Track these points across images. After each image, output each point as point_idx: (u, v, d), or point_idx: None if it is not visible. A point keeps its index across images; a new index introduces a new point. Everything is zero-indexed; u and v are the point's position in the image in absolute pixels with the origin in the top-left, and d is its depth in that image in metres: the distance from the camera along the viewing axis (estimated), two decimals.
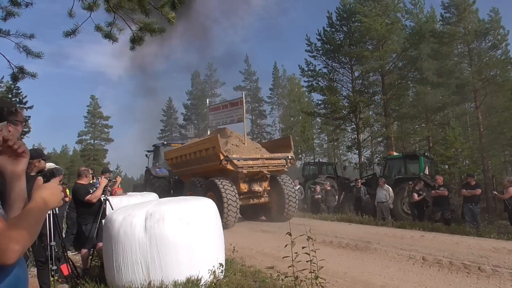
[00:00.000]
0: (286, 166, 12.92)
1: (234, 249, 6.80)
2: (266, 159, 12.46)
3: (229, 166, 11.61)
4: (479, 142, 20.58)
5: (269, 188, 12.83)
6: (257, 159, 12.29)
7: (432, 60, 22.68)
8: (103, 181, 6.11)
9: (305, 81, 28.10)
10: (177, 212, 4.69)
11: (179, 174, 15.39)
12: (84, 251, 5.86)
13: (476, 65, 20.10)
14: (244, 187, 12.23)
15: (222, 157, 11.56)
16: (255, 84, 52.21)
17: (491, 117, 21.28)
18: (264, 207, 12.97)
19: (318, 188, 17.07)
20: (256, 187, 12.48)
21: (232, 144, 13.03)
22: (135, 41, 5.01)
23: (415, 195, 12.32)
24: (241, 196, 11.84)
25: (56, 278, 4.80)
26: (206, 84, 53.15)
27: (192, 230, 4.65)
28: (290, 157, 12.96)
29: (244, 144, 13.43)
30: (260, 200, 12.57)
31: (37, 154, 4.48)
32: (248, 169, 11.93)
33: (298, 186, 18.28)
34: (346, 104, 26.97)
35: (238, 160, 11.77)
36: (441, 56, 21.36)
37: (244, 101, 14.66)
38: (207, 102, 20.03)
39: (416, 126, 28.34)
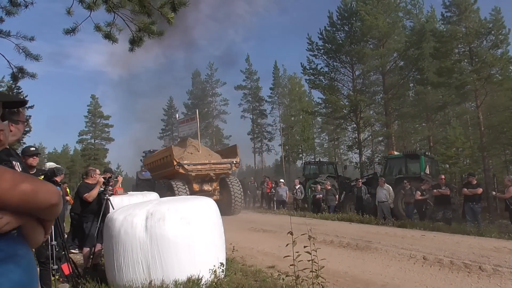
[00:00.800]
0: (231, 170, 15.98)
1: (234, 249, 6.80)
2: (213, 163, 15.54)
3: (181, 170, 14.74)
4: (480, 141, 20.52)
5: (218, 187, 15.82)
6: (205, 164, 15.35)
7: (432, 60, 22.64)
8: (100, 181, 6.16)
9: (306, 80, 28.17)
10: (178, 212, 4.69)
11: (154, 177, 18.35)
12: (85, 249, 5.88)
13: (476, 64, 20.03)
14: (196, 187, 15.22)
15: (175, 163, 14.67)
16: (256, 83, 52.15)
17: (492, 116, 21.21)
18: (216, 204, 14.47)
19: (319, 187, 17.08)
20: (206, 187, 15.52)
21: (188, 152, 16.10)
22: (135, 42, 5.00)
23: (418, 193, 12.32)
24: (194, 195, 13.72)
25: (57, 277, 4.81)
26: (207, 83, 53.13)
27: (193, 229, 4.65)
28: (235, 162, 15.85)
29: (199, 151, 16.51)
30: (212, 198, 13.72)
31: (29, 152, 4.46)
32: (197, 172, 15.09)
33: (298, 186, 18.26)
34: (347, 103, 26.96)
35: (188, 165, 14.88)
36: (441, 56, 21.28)
37: (198, 117, 18.15)
38: (177, 116, 22.84)
39: (417, 126, 28.35)
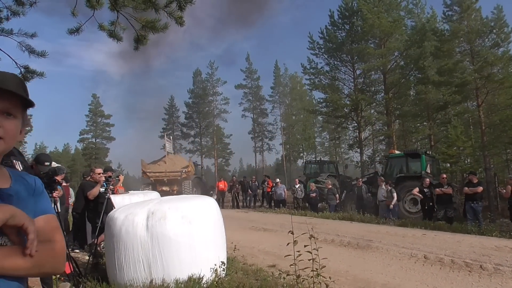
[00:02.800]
0: (181, 176, 22.45)
1: (235, 248, 6.81)
2: (168, 171, 22.35)
3: (145, 176, 22.71)
4: (481, 140, 20.49)
5: (176, 189, 22.18)
6: (161, 172, 22.21)
7: (433, 59, 22.61)
8: (101, 180, 6.19)
9: (306, 79, 28.14)
10: (179, 211, 4.69)
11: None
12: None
13: (478, 63, 19.99)
14: (159, 188, 20.63)
15: (142, 171, 22.84)
16: (256, 82, 52.16)
17: (493, 115, 21.17)
18: None
19: (313, 186, 17.23)
20: (165, 188, 21.62)
21: (158, 164, 23.53)
22: (139, 40, 4.99)
23: (417, 189, 12.34)
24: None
25: (58, 276, 4.81)
26: (208, 82, 53.12)
27: (194, 228, 4.65)
28: (185, 170, 22.60)
29: (165, 163, 23.41)
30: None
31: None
32: (155, 178, 22.32)
33: (298, 185, 18.24)
34: (348, 102, 26.94)
35: (149, 173, 22.38)
36: (442, 55, 21.26)
37: (169, 138, 27.24)
38: (165, 137, 29.23)
39: (418, 125, 28.25)
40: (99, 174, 6.64)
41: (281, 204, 17.96)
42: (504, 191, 10.60)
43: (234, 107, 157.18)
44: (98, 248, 5.93)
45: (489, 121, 20.74)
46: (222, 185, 21.43)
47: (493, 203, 16.51)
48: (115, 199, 6.65)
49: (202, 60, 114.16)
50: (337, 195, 16.41)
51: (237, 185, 21.10)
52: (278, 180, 19.89)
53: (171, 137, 30.46)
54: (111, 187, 6.45)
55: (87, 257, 6.01)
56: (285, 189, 18.95)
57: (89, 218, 6.32)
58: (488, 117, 21.15)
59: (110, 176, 6.90)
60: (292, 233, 3.80)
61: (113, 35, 5.01)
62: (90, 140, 49.44)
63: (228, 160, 56.12)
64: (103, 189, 6.27)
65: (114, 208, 5.90)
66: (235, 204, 20.77)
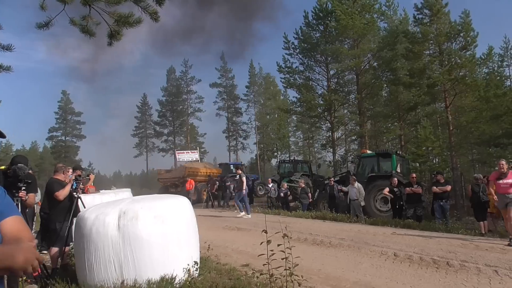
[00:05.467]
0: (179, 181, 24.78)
1: (209, 247, 6.79)
2: (172, 177, 25.80)
3: (159, 181, 27.39)
4: (448, 140, 21.15)
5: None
6: (166, 178, 26.13)
7: (405, 61, 23.19)
8: (71, 179, 6.00)
9: (282, 78, 28.32)
10: (151, 210, 4.63)
11: None
12: (54, 249, 5.69)
13: (446, 66, 20.64)
14: (168, 191, 23.27)
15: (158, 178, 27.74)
16: (231, 81, 52.06)
17: (460, 117, 21.90)
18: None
19: (284, 185, 17.63)
20: (172, 190, 23.39)
21: (167, 171, 28.11)
22: (113, 36, 4.89)
23: (387, 189, 12.59)
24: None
25: (25, 278, 4.66)
26: (182, 80, 52.60)
27: (167, 228, 4.61)
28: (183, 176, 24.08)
29: (171, 171, 28.15)
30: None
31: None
32: (163, 182, 26.29)
33: (271, 184, 18.30)
34: (321, 102, 27.28)
35: (161, 179, 26.78)
36: (413, 57, 21.84)
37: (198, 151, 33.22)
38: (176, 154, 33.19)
39: (389, 125, 28.90)
40: (68, 172, 6.45)
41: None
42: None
43: (208, 105, 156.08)
44: (67, 250, 5.77)
45: (457, 122, 21.40)
46: (188, 185, 21.35)
47: (459, 202, 17.12)
48: (86, 198, 6.48)
49: (177, 58, 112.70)
50: (310, 194, 16.59)
51: (213, 184, 21.02)
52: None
53: (197, 148, 35.55)
54: (81, 186, 6.29)
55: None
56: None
57: (51, 220, 5.91)
58: (456, 119, 21.84)
59: (79, 175, 6.72)
60: (266, 232, 3.83)
61: (85, 30, 4.89)
62: (59, 138, 48.08)
63: (202, 159, 55.70)
64: (72, 188, 6.09)
65: (84, 208, 5.75)
66: (210, 203, 20.67)
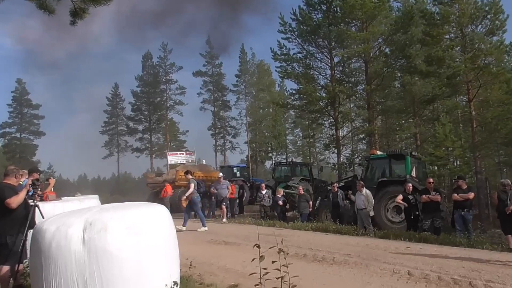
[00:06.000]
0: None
1: (191, 265, 6.76)
2: (160, 182, 25.68)
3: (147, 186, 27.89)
4: (471, 140, 21.27)
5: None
6: (156, 183, 26.36)
7: (421, 46, 23.27)
8: (27, 184, 5.92)
9: (277, 67, 28.29)
10: (123, 221, 4.60)
11: None
12: (5, 268, 5.60)
13: (469, 52, 20.75)
14: (158, 197, 22.35)
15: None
16: (218, 69, 52.02)
17: (485, 112, 22.06)
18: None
19: (280, 191, 17.57)
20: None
21: (157, 175, 29.79)
22: (77, 14, 4.83)
23: (400, 196, 12.63)
24: None
25: None
26: (160, 68, 52.40)
27: (141, 241, 4.58)
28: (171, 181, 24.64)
29: (163, 175, 28.94)
30: None
31: None
32: (152, 187, 26.49)
33: (265, 191, 18.24)
34: (324, 94, 27.33)
35: (150, 184, 27.39)
36: (431, 42, 21.92)
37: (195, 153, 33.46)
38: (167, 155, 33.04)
39: (403, 122, 29.07)
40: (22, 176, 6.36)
41: (223, 204, 17.64)
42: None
43: (191, 98, 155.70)
44: (21, 268, 5.70)
45: (481, 118, 21.57)
46: (164, 191, 21.27)
47: (484, 212, 17.26)
48: (44, 207, 6.42)
49: (154, 42, 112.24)
50: (310, 202, 16.61)
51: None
52: (221, 174, 19.72)
53: (194, 150, 34.66)
54: (39, 192, 6.22)
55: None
56: (229, 186, 18.71)
57: (1, 233, 5.76)
58: (480, 114, 22.00)
59: (37, 179, 6.65)
60: (258, 246, 3.82)
61: (43, 6, 4.82)
62: (13, 135, 47.65)
63: (201, 161, 55.60)
64: (28, 195, 6.02)
65: (42, 219, 5.69)
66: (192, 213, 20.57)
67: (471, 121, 21.33)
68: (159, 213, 5.11)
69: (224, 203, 17.58)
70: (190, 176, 14.32)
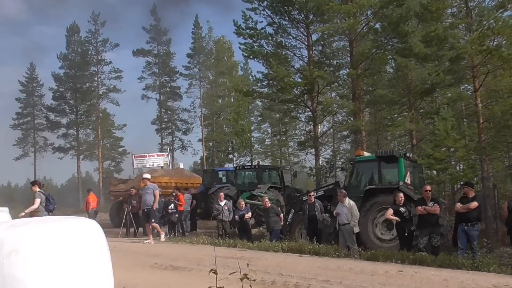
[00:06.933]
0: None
1: None
2: (124, 190, 26.40)
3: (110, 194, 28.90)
4: (478, 138, 21.65)
5: None
6: (120, 191, 26.89)
7: (418, 23, 23.63)
8: None
9: (241, 44, 28.20)
10: (41, 240, 4.52)
11: None
12: None
13: (476, 31, 21.19)
14: (122, 207, 23.27)
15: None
16: (166, 47, 51.60)
17: (494, 104, 22.47)
18: None
19: (242, 203, 17.54)
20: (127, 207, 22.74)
21: (122, 182, 29.49)
22: None
23: (390, 211, 12.82)
24: None
25: None
26: (90, 44, 51.52)
27: (63, 266, 4.52)
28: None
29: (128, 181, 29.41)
30: None
31: None
32: (116, 196, 27.40)
33: (224, 202, 18.18)
34: (299, 80, 27.44)
35: (113, 191, 28.15)
36: (430, 17, 22.24)
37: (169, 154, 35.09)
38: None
39: (395, 115, 29.40)
40: None
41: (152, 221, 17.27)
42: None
43: (130, 83, 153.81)
44: None
45: (489, 112, 22.01)
46: (91, 200, 21.00)
47: (491, 226, 17.74)
48: None
49: (81, 11, 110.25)
50: (282, 216, 16.72)
51: (133, 202, 20.74)
52: (147, 176, 18.51)
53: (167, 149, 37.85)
54: None
55: None
56: (156, 191, 18.18)
57: None
58: (487, 107, 22.48)
59: None
60: (215, 272, 3.84)
61: None
62: None
63: (120, 163, 55.05)
64: None
65: None
66: (133, 230, 20.36)
67: (477, 116, 21.70)
68: (88, 229, 5.05)
69: (152, 217, 16.67)
70: (37, 189, 13.96)
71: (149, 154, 35.30)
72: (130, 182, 28.08)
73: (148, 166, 31.89)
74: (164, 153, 35.67)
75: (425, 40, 22.56)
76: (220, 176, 27.24)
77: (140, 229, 20.30)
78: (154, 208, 16.43)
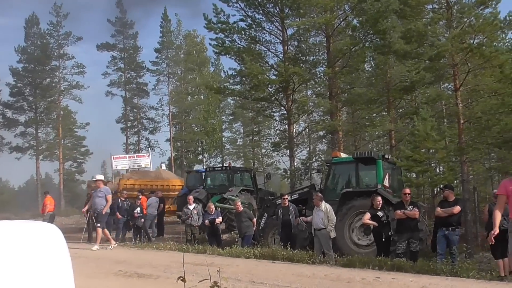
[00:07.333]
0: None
1: None
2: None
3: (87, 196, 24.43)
4: (458, 139, 21.94)
5: None
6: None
7: (397, 19, 23.81)
8: None
9: (212, 40, 28.15)
10: None
11: None
12: None
13: (456, 28, 21.45)
14: None
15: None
16: (132, 41, 51.21)
17: (474, 104, 22.84)
18: None
19: (211, 207, 17.55)
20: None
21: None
22: None
23: (367, 215, 12.94)
24: None
25: None
26: (51, 37, 50.84)
27: (19, 274, 4.46)
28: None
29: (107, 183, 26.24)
30: None
31: None
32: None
33: (193, 205, 18.15)
34: (274, 77, 27.48)
35: (89, 194, 23.90)
36: (410, 13, 22.45)
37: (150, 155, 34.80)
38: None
39: (374, 115, 29.62)
40: None
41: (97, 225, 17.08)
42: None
43: (94, 79, 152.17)
44: None
45: (470, 112, 22.36)
46: (48, 203, 20.83)
47: (471, 231, 18.04)
48: None
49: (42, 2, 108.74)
50: (254, 221, 16.75)
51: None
52: (99, 176, 17.78)
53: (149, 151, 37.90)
54: None
55: None
56: (108, 196, 17.96)
57: None
58: (468, 107, 22.84)
59: None
60: (184, 280, 3.85)
61: None
62: None
63: (82, 164, 54.49)
64: None
65: None
66: (95, 235, 20.20)
67: (457, 116, 21.98)
68: (46, 234, 4.98)
69: (99, 222, 16.28)
70: (103, 185, 14.06)
71: (129, 155, 36.23)
72: (109, 185, 27.86)
73: (128, 167, 32.03)
74: (145, 154, 35.50)
75: (404, 36, 22.80)
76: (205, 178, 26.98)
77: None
78: (104, 213, 16.04)
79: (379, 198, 13.09)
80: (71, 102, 51.91)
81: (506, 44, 28.50)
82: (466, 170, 21.49)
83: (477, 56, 20.57)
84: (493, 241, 7.25)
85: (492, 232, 7.08)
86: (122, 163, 32.57)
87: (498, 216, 7.31)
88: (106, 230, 16.56)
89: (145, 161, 32.98)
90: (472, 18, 21.15)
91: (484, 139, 21.66)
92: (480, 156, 25.10)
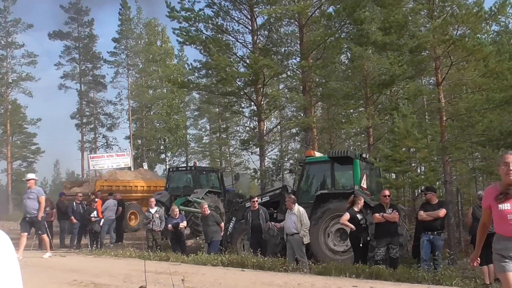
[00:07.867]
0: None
1: None
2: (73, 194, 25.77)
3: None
4: (440, 138, 22.20)
5: None
6: (73, 195, 24.97)
7: (376, 8, 23.99)
8: None
9: (175, 29, 27.99)
10: None
11: None
12: None
13: (438, 18, 21.68)
14: None
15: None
16: (88, 29, 50.69)
17: (458, 100, 23.12)
18: None
19: (175, 211, 17.50)
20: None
21: (77, 185, 30.24)
22: None
23: (347, 215, 12.94)
24: None
25: None
26: None
27: None
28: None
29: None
30: None
31: None
32: (69, 200, 24.04)
33: (156, 209, 18.04)
34: (243, 69, 27.47)
35: (66, 195, 25.22)
36: (389, 2, 22.61)
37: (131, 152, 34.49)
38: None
39: (351, 111, 29.82)
40: None
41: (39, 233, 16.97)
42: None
43: (46, 70, 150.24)
44: None
45: (452, 109, 22.65)
46: None
47: (454, 235, 18.25)
48: None
49: None
50: (222, 225, 16.70)
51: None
52: (30, 176, 17.61)
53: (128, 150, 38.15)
54: None
55: None
56: (41, 197, 17.80)
57: None
58: (451, 103, 23.13)
59: None
60: None
61: None
62: None
63: (33, 163, 53.82)
64: None
65: None
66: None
67: (439, 112, 22.23)
68: None
69: (39, 230, 16.08)
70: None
71: (108, 154, 36.38)
72: (86, 185, 28.28)
73: (106, 167, 32.19)
74: (125, 153, 35.90)
75: (383, 27, 22.94)
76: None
77: (56, 241, 19.94)
78: (39, 218, 15.34)
79: (361, 197, 13.13)
80: (21, 96, 51.20)
81: (491, 36, 28.90)
82: (449, 171, 21.73)
83: (460, 48, 20.79)
84: (476, 265, 6.78)
85: (473, 256, 6.33)
86: (100, 162, 32.66)
87: (482, 237, 6.21)
88: (45, 237, 16.23)
89: (125, 160, 33.25)
90: (455, 7, 21.37)
91: (467, 138, 21.93)
92: (464, 156, 25.43)
